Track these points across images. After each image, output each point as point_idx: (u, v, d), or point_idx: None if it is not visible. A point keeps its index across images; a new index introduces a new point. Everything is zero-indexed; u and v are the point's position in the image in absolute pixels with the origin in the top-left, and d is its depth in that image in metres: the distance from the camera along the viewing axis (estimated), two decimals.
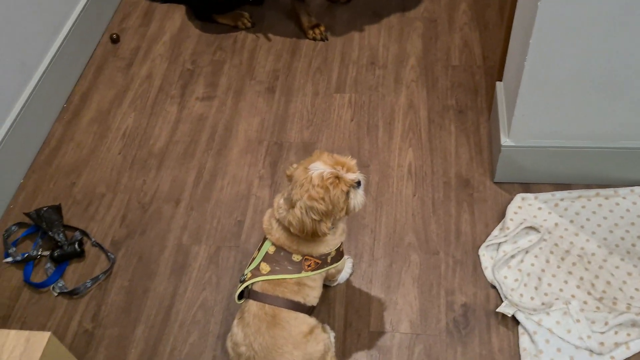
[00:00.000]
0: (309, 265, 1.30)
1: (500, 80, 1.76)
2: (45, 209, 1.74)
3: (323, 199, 1.19)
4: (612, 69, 1.39)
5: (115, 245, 1.73)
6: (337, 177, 1.20)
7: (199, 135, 1.99)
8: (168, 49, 2.31)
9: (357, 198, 1.24)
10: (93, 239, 1.73)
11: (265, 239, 1.34)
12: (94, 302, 1.61)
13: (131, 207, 1.82)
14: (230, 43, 2.30)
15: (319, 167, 1.20)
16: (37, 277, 1.68)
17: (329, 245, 1.31)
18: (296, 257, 1.29)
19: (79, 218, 1.80)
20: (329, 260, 1.32)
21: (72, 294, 1.61)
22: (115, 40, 2.36)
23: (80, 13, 2.24)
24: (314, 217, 1.20)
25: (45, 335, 1.00)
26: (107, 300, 1.61)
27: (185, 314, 1.56)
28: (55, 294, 1.63)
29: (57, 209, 1.76)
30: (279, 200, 1.30)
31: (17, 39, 1.92)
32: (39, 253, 1.69)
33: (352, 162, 1.25)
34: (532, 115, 1.53)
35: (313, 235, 1.23)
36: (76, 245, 1.68)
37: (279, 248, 1.30)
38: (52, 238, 1.69)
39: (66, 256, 1.67)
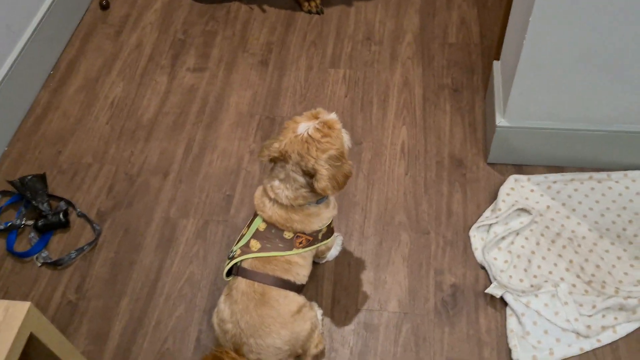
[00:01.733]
0: (300, 243, 1.28)
1: (498, 60, 1.73)
2: (29, 177, 1.71)
3: (331, 143, 1.18)
4: (613, 50, 1.37)
5: (101, 216, 1.69)
6: (324, 122, 1.19)
7: (189, 107, 1.95)
8: (159, 18, 2.25)
9: (345, 136, 1.24)
10: (78, 210, 1.70)
11: (255, 215, 1.31)
12: (78, 273, 1.58)
13: (118, 178, 1.78)
14: (223, 14, 2.24)
15: (306, 125, 1.19)
16: (21, 246, 1.64)
17: (322, 220, 1.29)
18: (287, 235, 1.27)
19: (65, 188, 1.77)
20: (320, 237, 1.30)
21: (56, 264, 1.59)
22: (104, 6, 2.30)
23: None
24: (336, 164, 1.18)
25: (25, 305, 0.97)
26: (92, 272, 1.58)
27: (172, 288, 1.54)
28: (39, 264, 1.60)
29: (42, 178, 1.72)
30: (273, 183, 1.26)
31: (1, 1, 1.85)
32: (23, 222, 1.66)
33: (319, 109, 1.24)
34: (529, 95, 1.51)
35: (345, 181, 1.21)
36: (61, 216, 1.64)
37: (270, 225, 1.27)
38: (36, 207, 1.66)
39: (50, 226, 1.64)
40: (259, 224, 1.29)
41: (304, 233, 1.27)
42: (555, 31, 1.35)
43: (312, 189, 1.21)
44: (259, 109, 1.92)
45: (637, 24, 1.30)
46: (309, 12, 2.20)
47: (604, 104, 1.49)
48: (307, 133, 1.18)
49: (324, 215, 1.29)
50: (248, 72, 2.03)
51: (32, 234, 1.64)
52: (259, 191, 1.32)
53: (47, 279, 1.58)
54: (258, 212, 1.30)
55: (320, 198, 1.26)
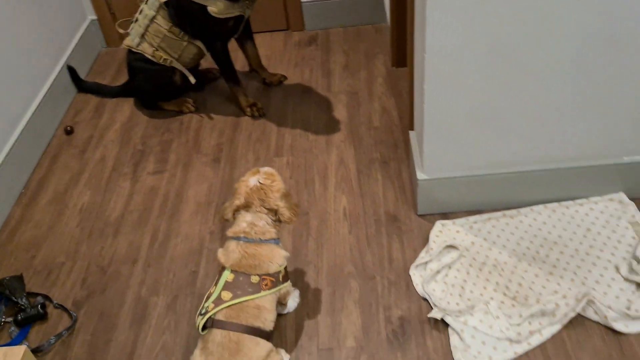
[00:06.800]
0: (265, 285, 1.47)
1: (412, 130, 2.07)
2: (7, 278, 1.85)
3: (279, 185, 1.51)
4: (496, 107, 1.71)
5: (77, 305, 1.83)
6: (265, 174, 1.53)
7: (152, 204, 2.17)
8: (119, 135, 2.53)
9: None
10: (55, 302, 1.83)
11: (220, 273, 1.50)
12: (57, 357, 1.69)
13: (91, 271, 1.94)
14: (177, 125, 2.55)
15: (253, 179, 1.51)
16: (1, 340, 1.75)
17: (282, 257, 1.52)
18: (254, 279, 1.47)
19: (41, 286, 1.91)
20: (280, 279, 1.52)
21: (35, 351, 1.69)
22: (69, 132, 2.57)
23: (35, 111, 2.47)
24: (288, 198, 1.52)
25: (21, 349, 1.12)
26: (71, 355, 1.69)
27: (147, 358, 1.66)
28: None
29: (19, 278, 1.87)
30: (240, 226, 1.50)
31: None
32: (3, 319, 1.78)
33: (256, 167, 1.58)
34: (438, 151, 1.82)
35: (298, 209, 1.56)
36: (39, 308, 1.77)
37: (238, 273, 1.47)
38: (15, 303, 1.78)
39: (30, 319, 1.76)
40: (227, 277, 1.48)
41: (268, 274, 1.47)
42: (444, 97, 1.68)
43: (275, 225, 1.52)
44: (215, 198, 2.16)
45: (508, 83, 1.66)
46: (252, 116, 2.54)
47: (497, 151, 1.82)
48: (259, 182, 1.49)
49: (282, 253, 1.53)
50: (203, 169, 2.30)
51: (12, 328, 1.76)
52: (220, 252, 1.53)
53: None
54: (225, 265, 1.49)
55: (277, 237, 1.53)
